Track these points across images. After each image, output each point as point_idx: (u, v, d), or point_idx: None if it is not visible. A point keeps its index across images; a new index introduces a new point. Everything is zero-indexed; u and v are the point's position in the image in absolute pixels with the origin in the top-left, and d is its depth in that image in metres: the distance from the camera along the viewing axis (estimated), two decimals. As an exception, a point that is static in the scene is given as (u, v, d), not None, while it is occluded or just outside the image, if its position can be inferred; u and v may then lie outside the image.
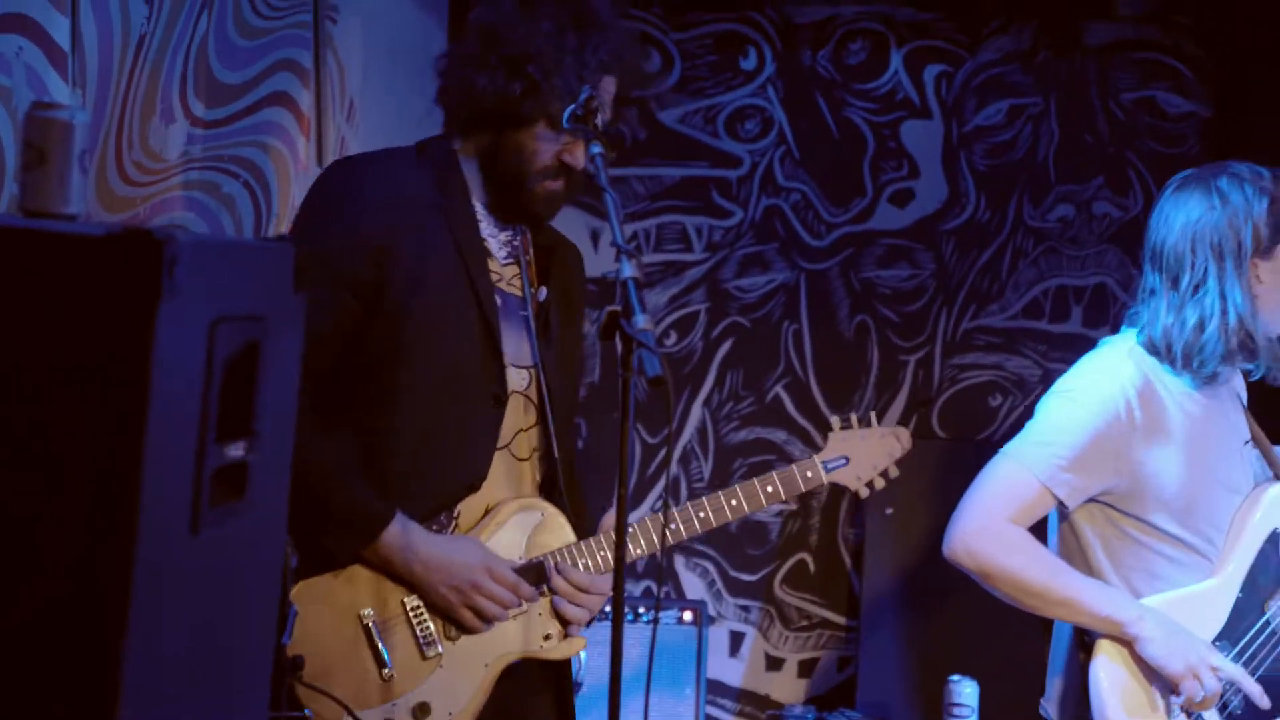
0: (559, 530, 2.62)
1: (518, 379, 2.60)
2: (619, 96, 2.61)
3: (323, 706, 2.41)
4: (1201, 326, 2.81)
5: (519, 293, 2.62)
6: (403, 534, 2.49)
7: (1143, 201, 4.53)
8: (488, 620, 2.53)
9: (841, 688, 4.52)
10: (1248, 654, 2.84)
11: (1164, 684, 2.78)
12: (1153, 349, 2.84)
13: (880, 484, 2.85)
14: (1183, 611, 2.82)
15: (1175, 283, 2.84)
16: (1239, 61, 4.49)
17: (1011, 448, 2.83)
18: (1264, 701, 2.80)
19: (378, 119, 3.80)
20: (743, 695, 4.57)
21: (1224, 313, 2.80)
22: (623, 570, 2.16)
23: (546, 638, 2.60)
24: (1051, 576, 2.78)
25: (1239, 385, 3.01)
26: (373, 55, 3.76)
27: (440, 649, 2.53)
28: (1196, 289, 2.82)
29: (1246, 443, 2.95)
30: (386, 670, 2.50)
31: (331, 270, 2.44)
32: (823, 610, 4.58)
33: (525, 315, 2.62)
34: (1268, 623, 2.86)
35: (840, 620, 4.59)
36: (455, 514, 2.57)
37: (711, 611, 4.56)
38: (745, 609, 4.59)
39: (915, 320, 4.59)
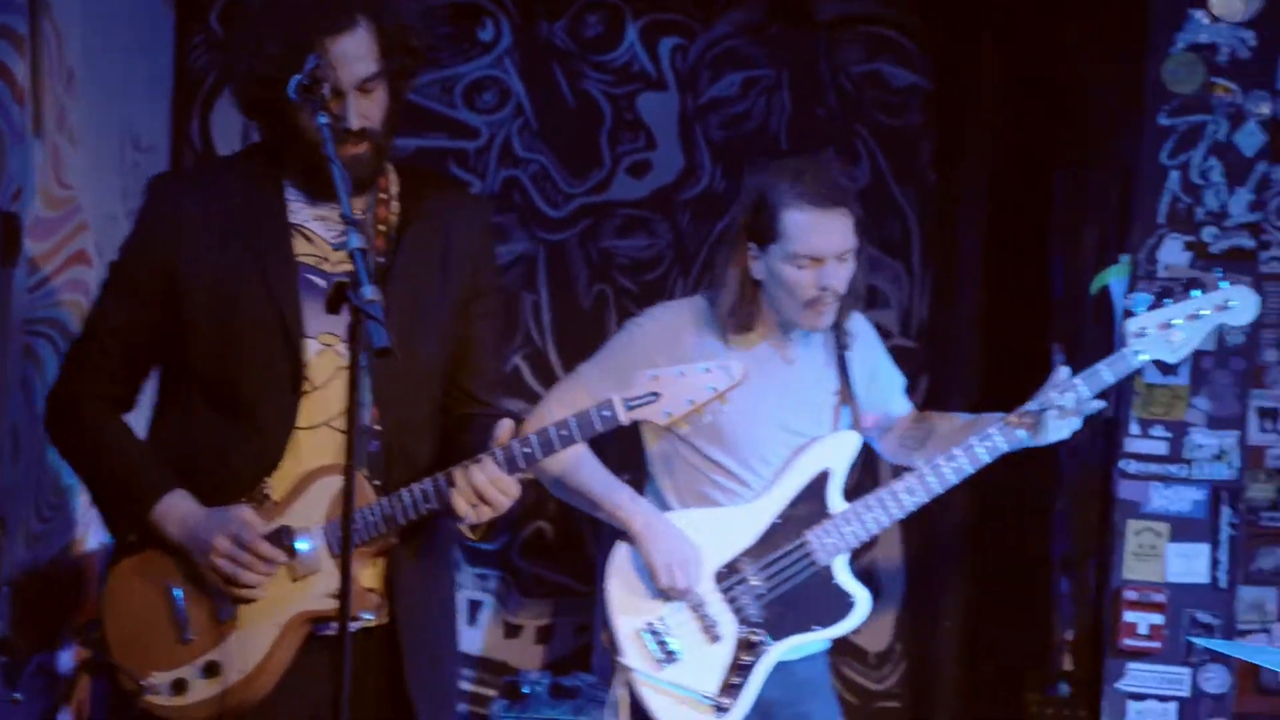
0: (363, 495, 2.66)
1: (342, 357, 2.65)
2: (387, 49, 2.59)
3: (122, 672, 2.63)
4: None
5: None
6: (175, 506, 2.65)
7: (870, 171, 4.67)
8: (239, 585, 2.62)
9: (578, 652, 4.59)
10: (774, 569, 3.28)
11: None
12: None
13: (694, 417, 2.91)
14: (708, 526, 3.26)
15: None
16: (956, 34, 4.65)
17: (581, 367, 3.32)
18: (712, 633, 3.25)
19: (100, 90, 3.70)
20: (480, 663, 4.60)
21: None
22: (350, 553, 2.33)
23: (335, 596, 2.58)
24: (589, 478, 3.27)
25: (859, 340, 3.39)
26: (93, 23, 3.66)
27: (234, 612, 2.65)
28: None
29: (835, 393, 3.32)
30: (187, 635, 2.65)
31: (127, 277, 2.72)
32: (560, 577, 4.63)
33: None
34: (802, 545, 3.28)
35: (578, 586, 4.65)
36: (265, 491, 2.67)
37: (451, 581, 4.59)
38: (483, 577, 4.62)
39: (653, 289, 4.66)
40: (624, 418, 2.67)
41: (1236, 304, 3.26)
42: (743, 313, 3.28)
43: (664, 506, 3.34)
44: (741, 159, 4.67)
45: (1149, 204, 4.17)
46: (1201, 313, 3.26)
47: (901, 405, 3.56)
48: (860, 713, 4.62)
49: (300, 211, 2.68)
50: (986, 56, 4.50)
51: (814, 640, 3.34)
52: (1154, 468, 4.19)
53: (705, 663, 3.26)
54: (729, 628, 3.27)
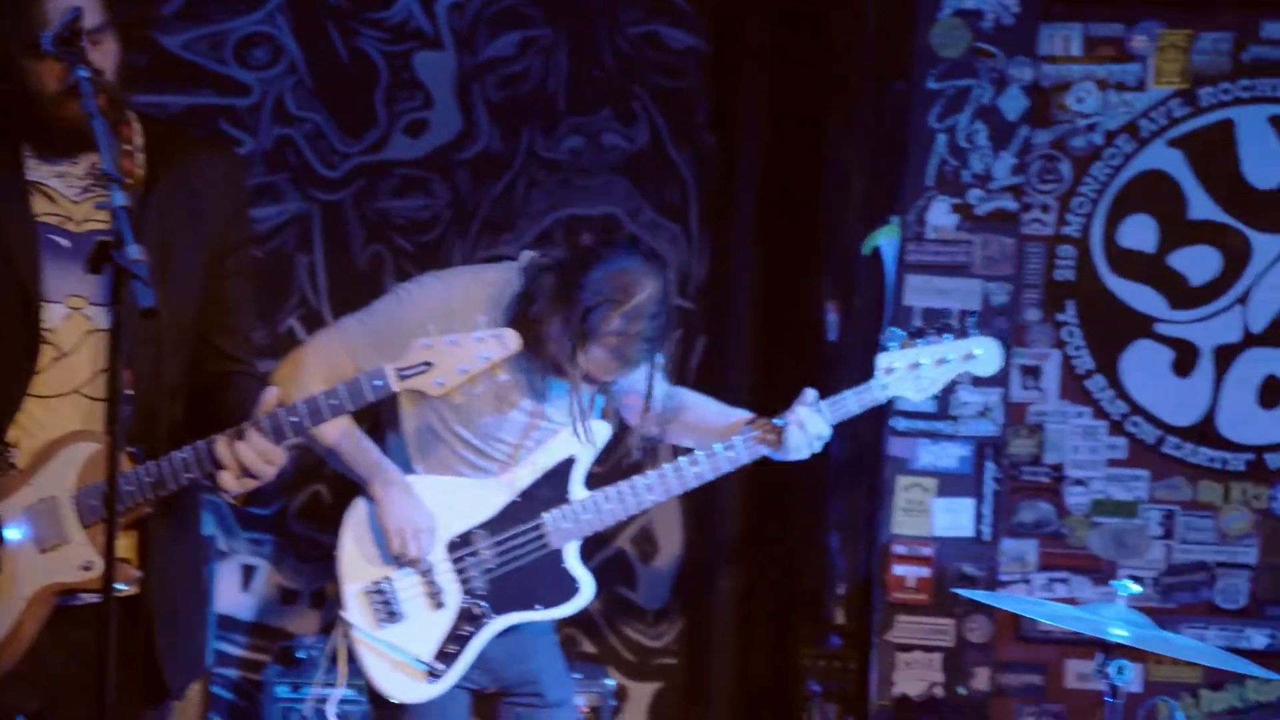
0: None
1: (92, 320, 2.56)
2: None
3: None
4: None
5: (104, 225, 2.51)
6: None
7: (649, 134, 4.68)
8: None
9: (356, 615, 4.53)
10: (506, 546, 3.31)
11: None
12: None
13: (466, 386, 2.88)
14: (449, 494, 3.29)
15: None
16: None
17: (345, 321, 3.32)
18: (436, 600, 3.28)
19: None
20: (255, 629, 4.53)
21: None
22: (115, 522, 2.27)
23: (85, 567, 2.56)
24: (340, 438, 3.26)
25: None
26: None
27: None
28: None
29: (587, 380, 3.29)
30: None
31: None
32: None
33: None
34: (537, 526, 3.31)
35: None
36: (11, 459, 2.57)
37: (223, 546, 4.51)
38: (258, 542, 4.54)
39: (430, 250, 4.61)
40: (396, 386, 2.63)
41: (981, 355, 3.34)
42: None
43: (408, 470, 3.33)
44: (519, 119, 4.66)
45: (917, 166, 4.26)
46: (948, 358, 3.33)
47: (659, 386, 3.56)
48: (638, 670, 4.66)
49: (37, 169, 2.58)
50: (758, 19, 4.54)
51: (533, 619, 3.36)
52: (921, 425, 4.30)
53: (425, 628, 3.28)
54: (453, 597, 3.29)
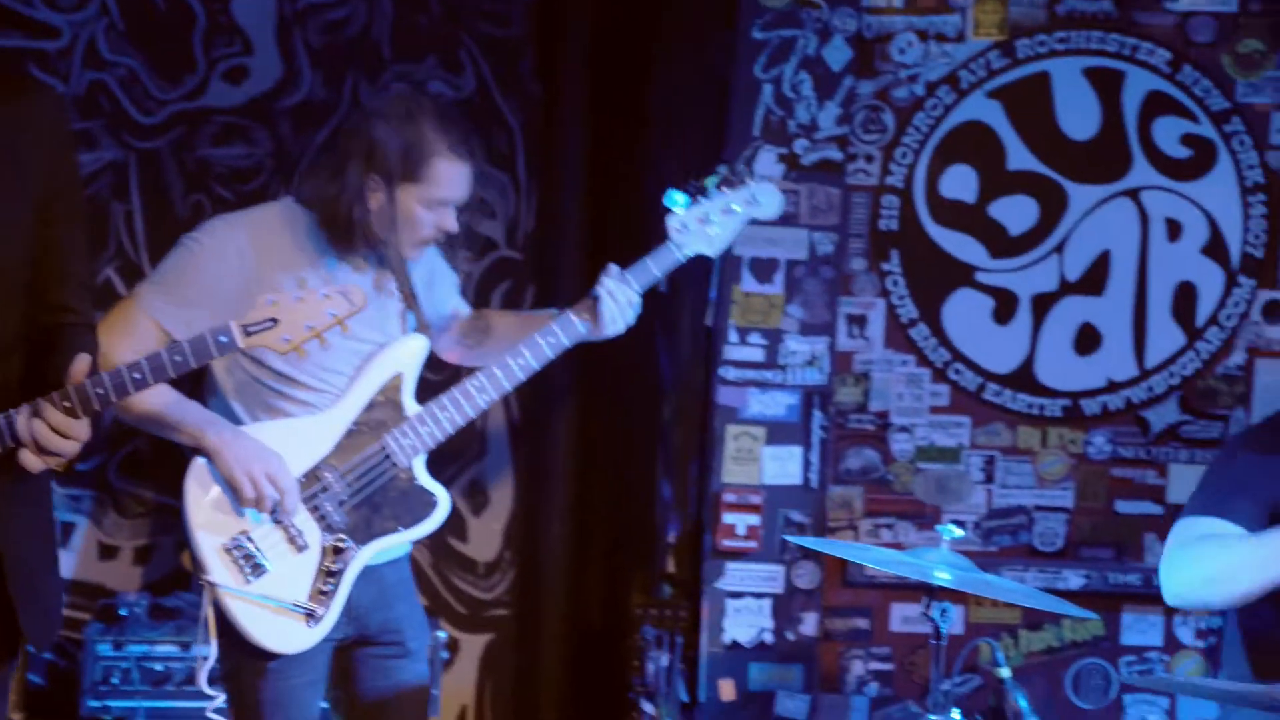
0: None
1: None
2: None
3: None
4: None
5: None
6: None
7: (475, 82, 4.63)
8: None
9: (179, 572, 4.44)
10: (355, 474, 3.30)
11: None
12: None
13: (311, 342, 2.90)
14: (284, 437, 3.25)
15: None
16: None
17: (139, 292, 3.26)
18: (297, 543, 3.26)
19: None
20: (74, 586, 4.42)
21: None
22: None
23: None
24: (163, 401, 3.19)
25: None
26: None
27: None
28: None
29: (398, 299, 3.37)
30: None
31: None
32: (159, 496, 4.48)
33: None
34: (382, 449, 3.31)
35: (178, 505, 4.48)
36: None
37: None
38: (76, 499, 4.44)
39: (252, 200, 4.44)
40: (242, 343, 2.59)
41: (762, 199, 3.49)
42: (359, 236, 3.29)
43: (234, 422, 3.29)
44: (342, 67, 4.57)
45: (744, 116, 4.27)
46: (734, 208, 3.46)
47: (459, 305, 3.62)
48: (469, 622, 4.65)
49: None
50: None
51: (399, 541, 3.37)
52: (751, 374, 4.33)
53: (293, 573, 3.25)
54: (314, 536, 3.26)
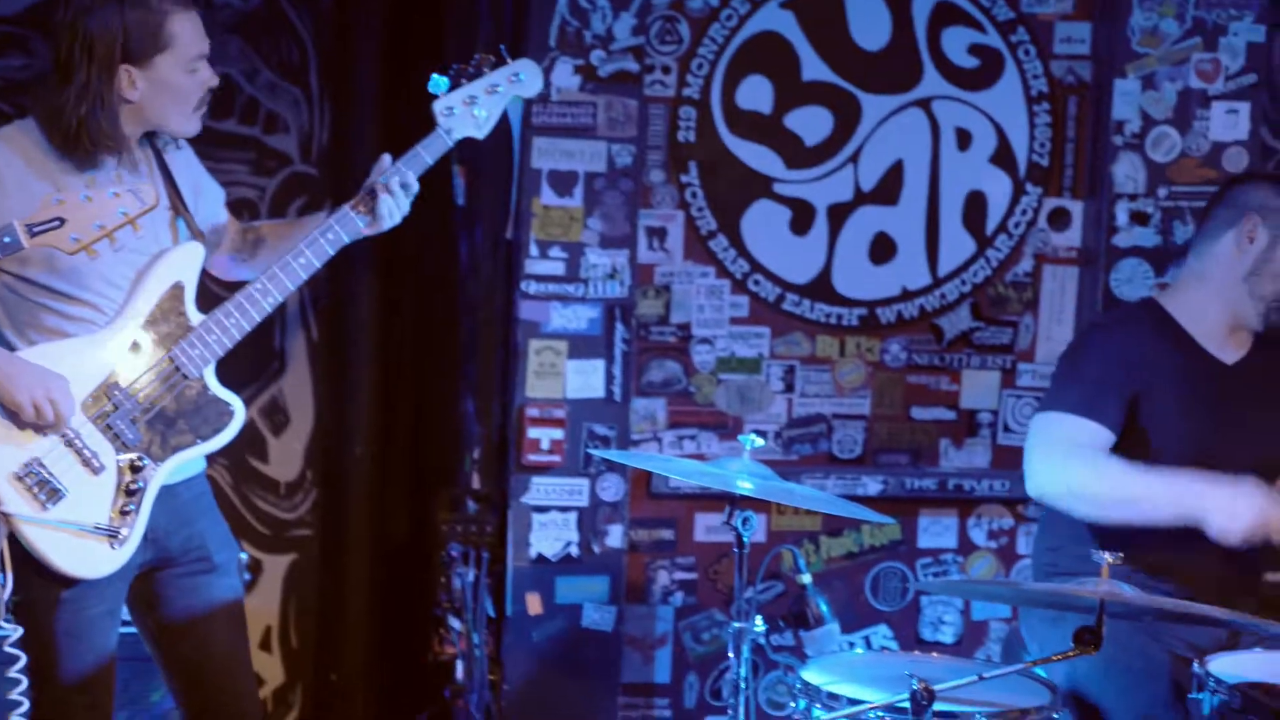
0: None
1: None
2: None
3: None
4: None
5: None
6: None
7: (263, -8, 4.50)
8: None
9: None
10: (145, 389, 3.22)
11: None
12: None
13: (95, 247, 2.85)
14: (65, 357, 3.15)
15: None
16: None
17: None
18: (92, 465, 3.17)
19: None
20: None
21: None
22: None
23: None
24: None
25: (177, 149, 3.36)
26: None
27: None
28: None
29: (167, 207, 3.28)
30: None
31: None
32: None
33: None
34: (170, 360, 3.24)
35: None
36: None
37: None
38: None
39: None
40: (27, 242, 2.49)
41: (525, 76, 3.48)
42: (100, 141, 3.16)
43: (6, 348, 3.17)
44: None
45: (540, 26, 4.22)
46: (497, 88, 3.44)
47: (225, 217, 3.53)
48: (272, 543, 4.59)
49: None
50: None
51: (198, 454, 3.31)
52: (552, 288, 4.31)
53: (92, 495, 3.16)
54: (109, 456, 3.18)
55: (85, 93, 3.12)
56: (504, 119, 4.24)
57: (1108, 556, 3.03)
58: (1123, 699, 3.49)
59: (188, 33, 3.19)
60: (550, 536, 4.35)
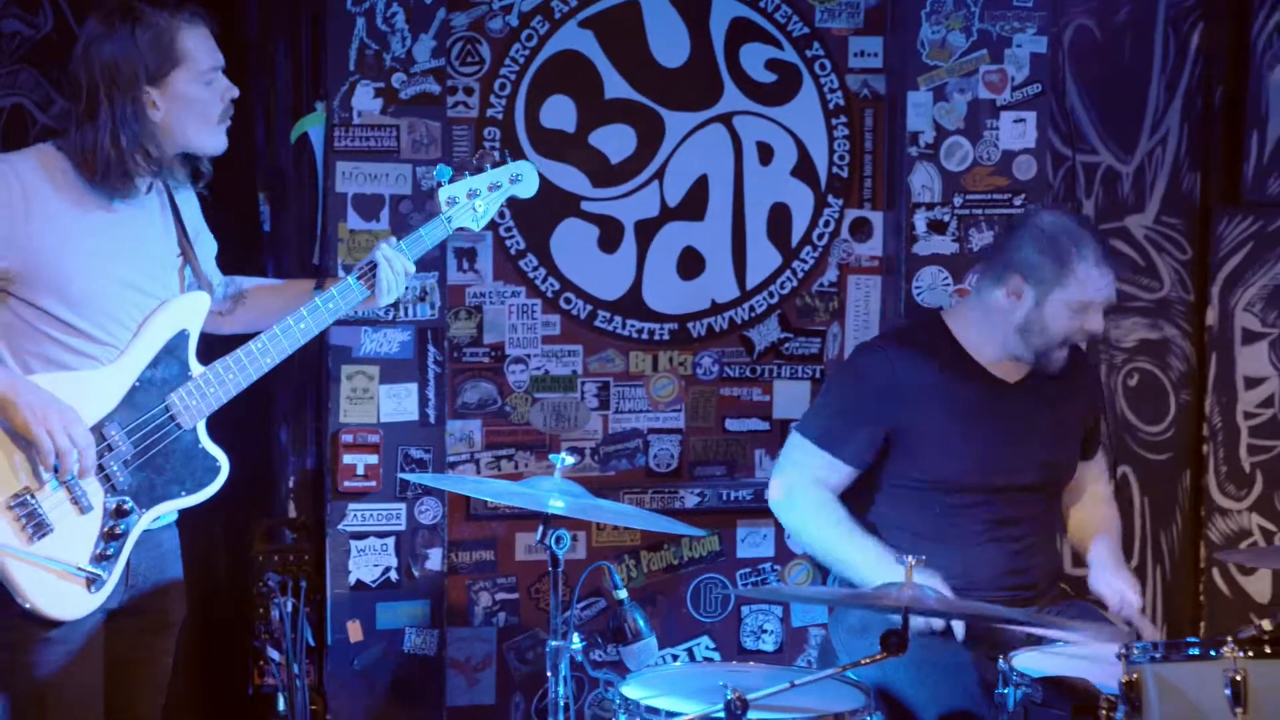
0: None
1: None
2: None
3: None
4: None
5: None
6: None
7: (53, 20, 4.41)
8: None
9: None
10: (140, 434, 3.19)
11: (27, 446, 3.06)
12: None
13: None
14: (69, 389, 3.10)
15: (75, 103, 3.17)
16: None
17: None
18: (81, 504, 3.11)
19: None
20: None
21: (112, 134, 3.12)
22: None
23: None
24: None
25: (185, 190, 3.36)
26: None
27: None
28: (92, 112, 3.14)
29: (178, 253, 3.30)
30: None
31: None
32: None
33: None
34: (167, 408, 3.22)
35: None
36: None
37: None
38: None
39: None
40: None
41: (524, 177, 3.62)
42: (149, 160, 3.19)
43: None
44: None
45: (339, 51, 4.20)
46: (499, 182, 3.58)
47: (215, 270, 3.51)
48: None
49: None
50: None
51: (182, 505, 3.29)
52: (362, 312, 4.27)
53: (76, 534, 3.10)
54: (98, 496, 3.13)
55: (114, 123, 3.12)
56: (307, 143, 4.24)
57: (910, 559, 3.11)
58: (931, 696, 3.59)
59: (200, 46, 3.20)
60: (369, 563, 4.32)
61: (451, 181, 3.51)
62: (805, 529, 3.91)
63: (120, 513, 3.15)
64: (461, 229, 3.55)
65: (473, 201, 3.53)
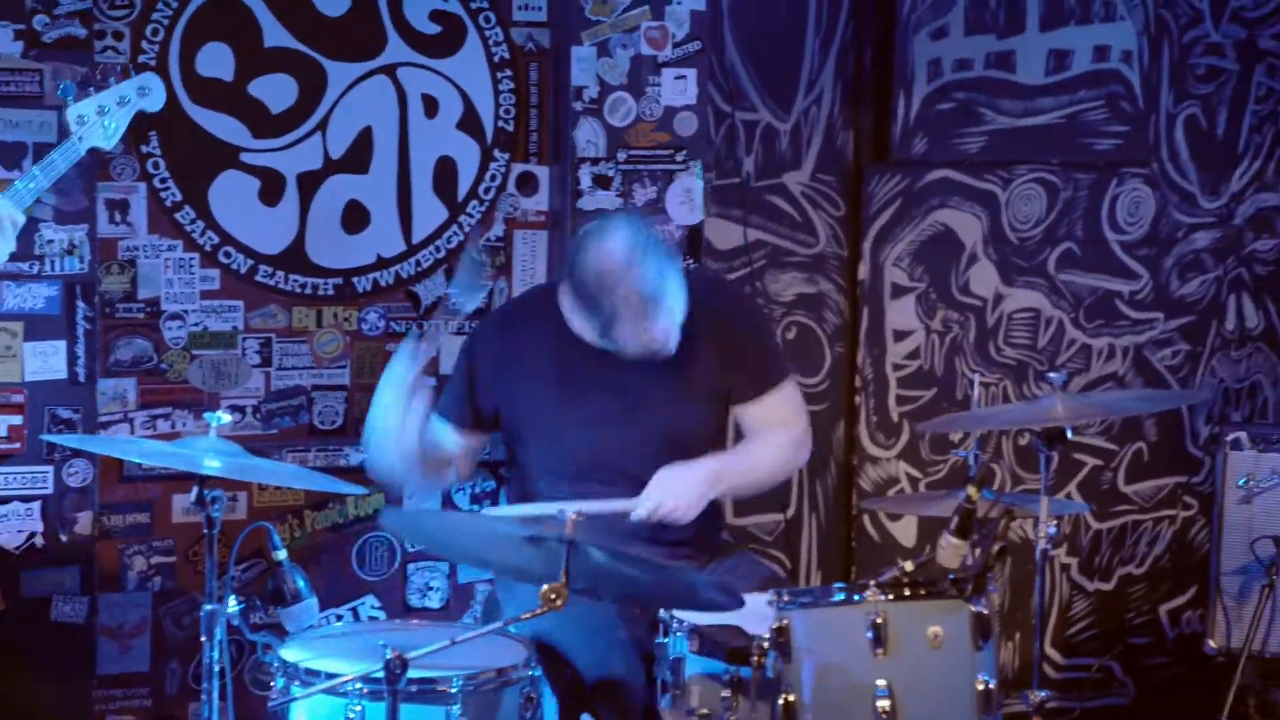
0: None
1: None
2: None
3: None
4: None
5: None
6: None
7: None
8: None
9: None
10: None
11: None
12: None
13: None
14: None
15: None
16: None
17: None
18: None
19: None
20: None
21: None
22: None
23: None
24: None
25: None
26: None
27: None
28: None
29: None
30: None
31: None
32: None
33: None
34: None
35: None
36: None
37: None
38: None
39: None
40: None
41: (150, 89, 3.61)
42: None
43: None
44: None
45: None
46: (127, 97, 3.56)
47: None
48: None
49: None
50: None
51: None
52: (5, 266, 4.07)
53: None
54: None
55: None
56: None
57: (570, 512, 3.12)
58: (586, 647, 3.62)
59: None
60: (12, 528, 4.13)
61: (77, 100, 3.45)
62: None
63: None
64: (94, 149, 3.49)
65: (103, 119, 3.48)
